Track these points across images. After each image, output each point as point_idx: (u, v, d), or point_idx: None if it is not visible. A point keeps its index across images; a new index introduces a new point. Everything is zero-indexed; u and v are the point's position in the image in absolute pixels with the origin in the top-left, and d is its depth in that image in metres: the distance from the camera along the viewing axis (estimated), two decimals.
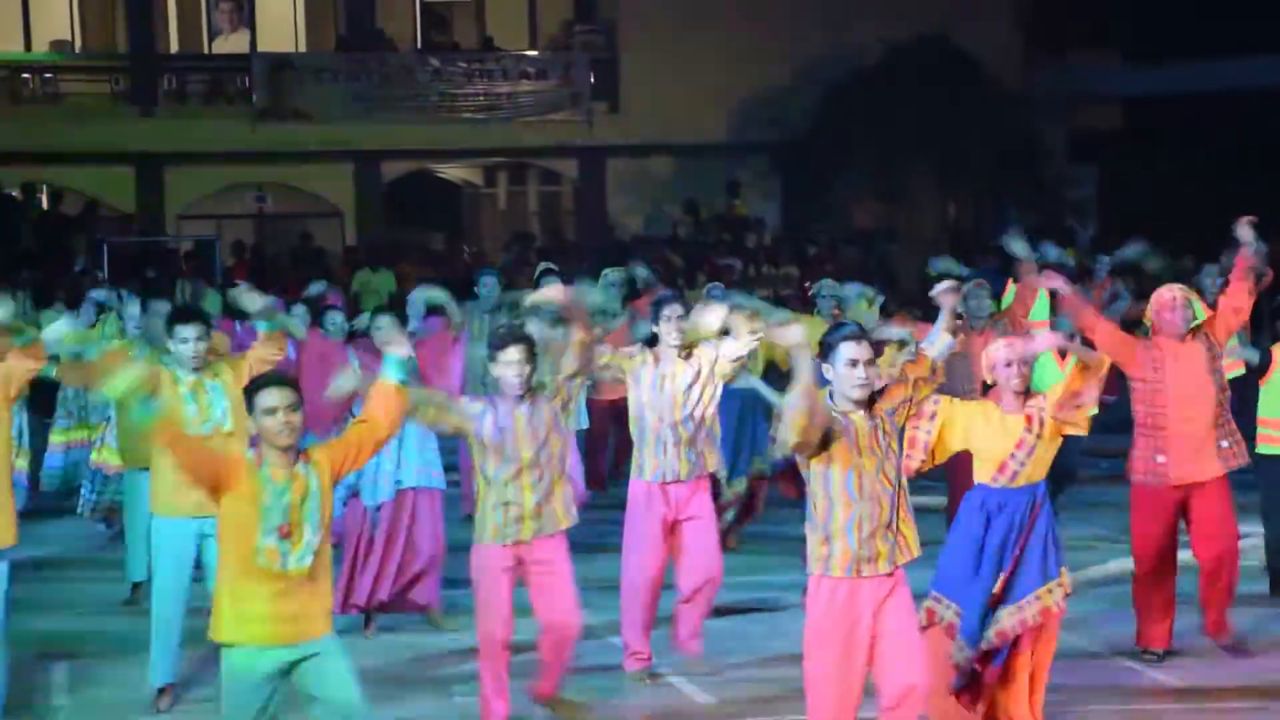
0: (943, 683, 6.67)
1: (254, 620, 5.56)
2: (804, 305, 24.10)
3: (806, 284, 24.39)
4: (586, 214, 27.44)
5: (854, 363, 5.87)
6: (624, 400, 12.42)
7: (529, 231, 27.10)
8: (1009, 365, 6.75)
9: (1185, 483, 8.14)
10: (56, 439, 12.04)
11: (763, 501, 11.28)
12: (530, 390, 7.12)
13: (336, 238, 26.59)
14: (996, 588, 6.68)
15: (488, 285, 12.06)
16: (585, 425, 12.13)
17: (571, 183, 28.05)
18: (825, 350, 5.93)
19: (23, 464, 11.46)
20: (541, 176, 29.00)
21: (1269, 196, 24.34)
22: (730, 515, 10.84)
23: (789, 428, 5.72)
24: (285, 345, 8.07)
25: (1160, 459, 8.07)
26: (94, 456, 10.84)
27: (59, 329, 7.74)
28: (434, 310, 12.07)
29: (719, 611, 8.54)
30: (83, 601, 10.17)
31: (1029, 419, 6.72)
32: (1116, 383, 13.74)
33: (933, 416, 6.69)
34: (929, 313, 12.46)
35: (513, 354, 7.06)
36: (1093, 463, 13.87)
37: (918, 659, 6.02)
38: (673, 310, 8.09)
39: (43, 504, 12.29)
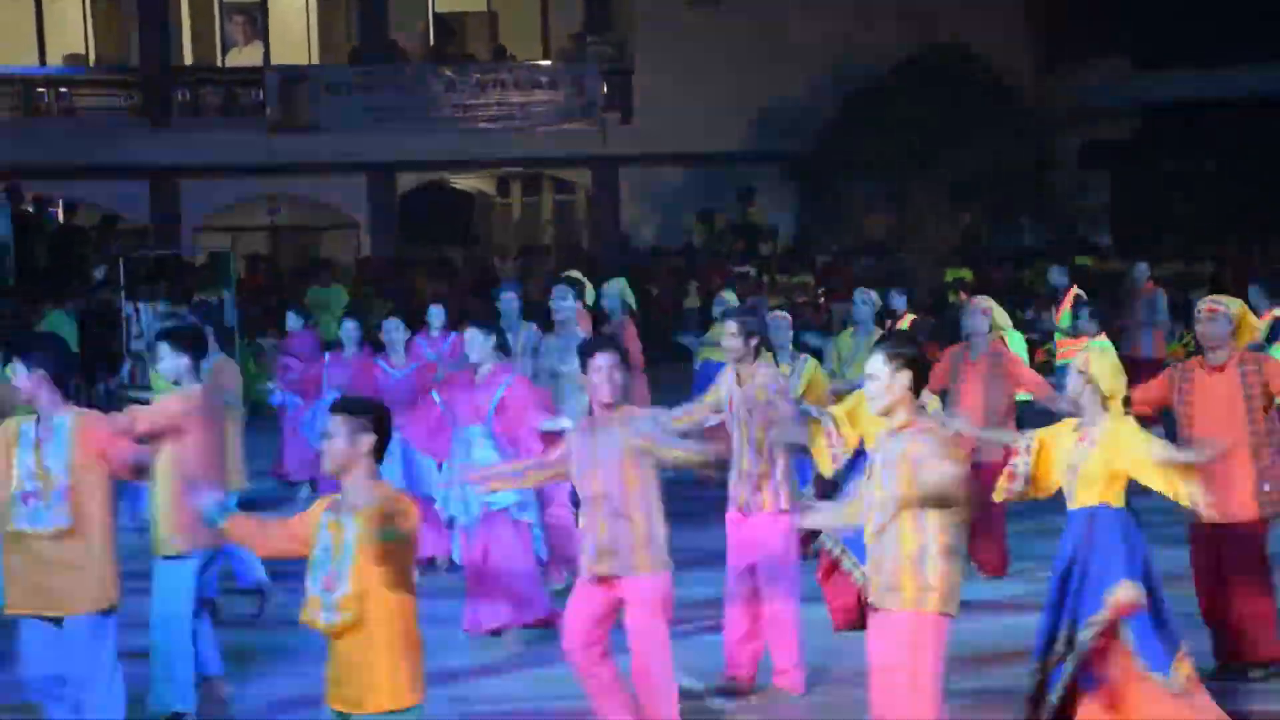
0: None
1: (327, 680, 5.35)
2: (816, 313, 24.25)
3: (820, 292, 24.44)
4: (600, 223, 27.48)
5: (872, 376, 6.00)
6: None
7: (543, 244, 27.16)
8: (1080, 373, 6.69)
9: (1215, 521, 7.58)
10: None
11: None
12: (618, 405, 6.90)
13: (351, 249, 26.65)
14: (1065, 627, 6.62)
15: (508, 301, 11.52)
16: None
17: (585, 192, 28.10)
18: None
19: None
20: (555, 186, 29.04)
21: None
22: None
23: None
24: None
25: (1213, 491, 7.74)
26: None
27: None
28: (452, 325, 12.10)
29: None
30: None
31: (1081, 438, 6.63)
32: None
33: (1027, 447, 6.71)
34: (943, 321, 12.52)
35: (601, 361, 6.88)
36: None
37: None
38: (730, 326, 7.89)
39: None
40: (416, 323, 12.05)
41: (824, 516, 6.53)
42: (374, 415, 5.30)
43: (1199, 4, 25.12)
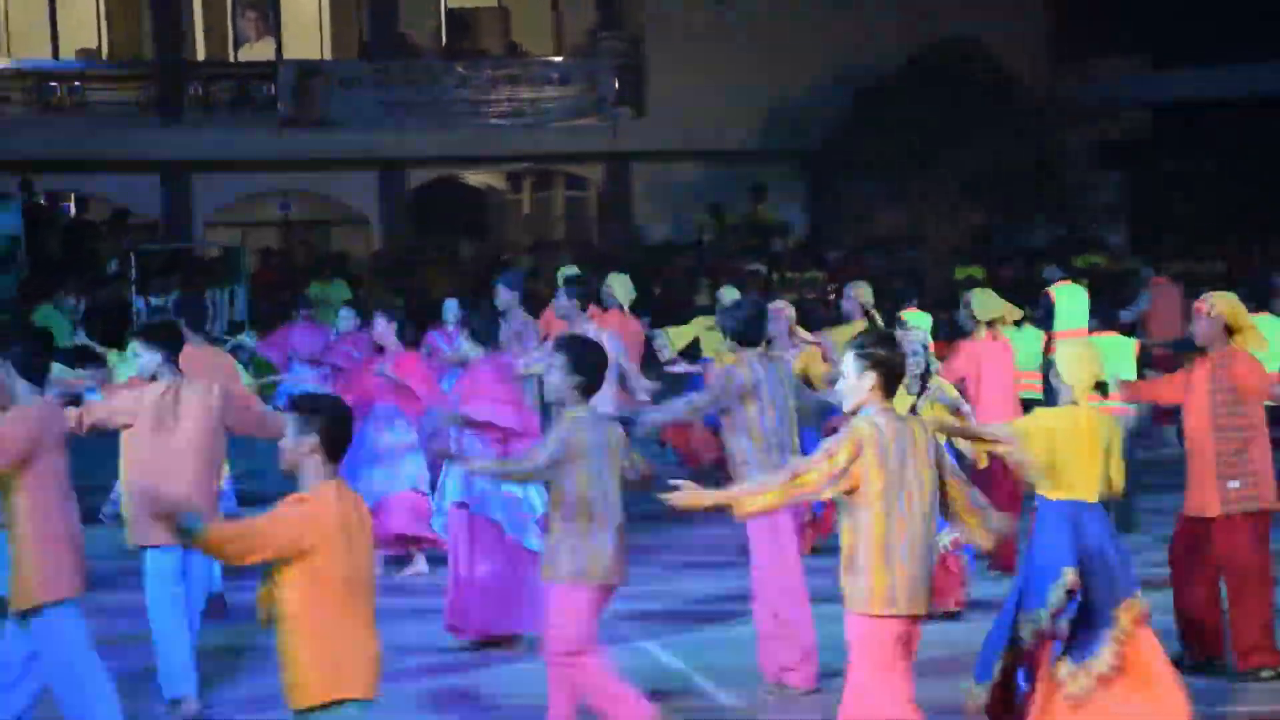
0: None
1: (356, 670, 5.34)
2: (827, 309, 24.21)
3: (831, 289, 24.42)
4: (612, 219, 27.47)
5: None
6: None
7: (554, 240, 27.16)
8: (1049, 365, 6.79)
9: (1197, 515, 7.87)
10: None
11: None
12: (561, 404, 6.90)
13: (362, 244, 26.67)
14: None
15: (506, 290, 11.53)
16: None
17: (597, 188, 28.09)
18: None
19: None
20: (567, 182, 29.03)
21: None
22: None
23: None
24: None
25: (1233, 485, 7.80)
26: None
27: None
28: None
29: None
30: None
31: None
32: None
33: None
34: (955, 318, 12.48)
35: (558, 360, 6.86)
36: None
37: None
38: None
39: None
40: (427, 318, 12.08)
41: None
42: (324, 414, 5.25)
43: (1209, 2, 25.06)
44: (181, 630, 7.49)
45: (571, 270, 12.07)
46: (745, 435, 7.78)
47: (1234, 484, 7.76)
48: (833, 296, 24.38)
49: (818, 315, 23.31)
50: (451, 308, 12.18)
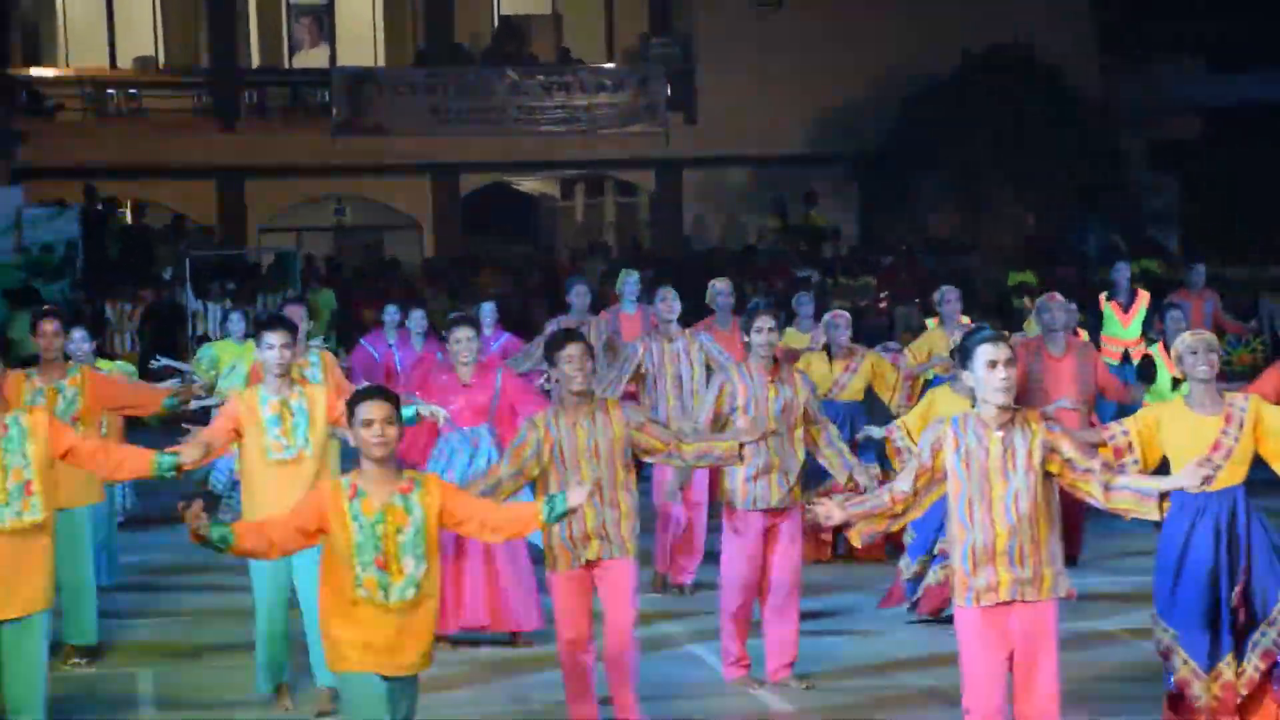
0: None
1: (364, 649, 5.57)
2: (879, 315, 24.14)
3: (881, 294, 24.35)
4: (663, 225, 27.48)
5: (994, 364, 5.67)
6: None
7: (605, 246, 27.19)
8: (1194, 354, 6.52)
9: None
10: None
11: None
12: (592, 395, 6.97)
13: (415, 250, 26.79)
14: (1234, 600, 6.51)
15: (580, 294, 11.63)
16: None
17: (648, 194, 28.11)
18: (963, 355, 5.77)
19: None
20: (618, 188, 29.07)
21: None
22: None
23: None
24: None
25: None
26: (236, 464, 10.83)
27: None
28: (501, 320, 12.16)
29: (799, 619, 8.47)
30: (189, 609, 10.19)
31: (1227, 418, 6.48)
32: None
33: (1124, 431, 6.55)
34: (1008, 323, 12.43)
35: (572, 350, 6.86)
36: None
37: (1043, 693, 5.80)
38: (764, 322, 7.87)
39: (150, 511, 12.44)
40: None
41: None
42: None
43: (1264, 5, 24.83)
44: (283, 623, 7.68)
45: (634, 275, 12.09)
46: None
47: None
48: (884, 303, 24.33)
49: (870, 321, 23.39)
50: (488, 311, 12.21)
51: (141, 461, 6.61)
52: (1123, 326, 13.27)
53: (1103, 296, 13.38)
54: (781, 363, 8.01)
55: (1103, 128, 25.37)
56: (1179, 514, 6.52)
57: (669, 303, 10.18)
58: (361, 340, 13.10)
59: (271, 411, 7.46)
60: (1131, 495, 5.72)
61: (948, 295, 11.51)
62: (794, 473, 7.87)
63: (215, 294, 21.04)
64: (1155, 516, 5.74)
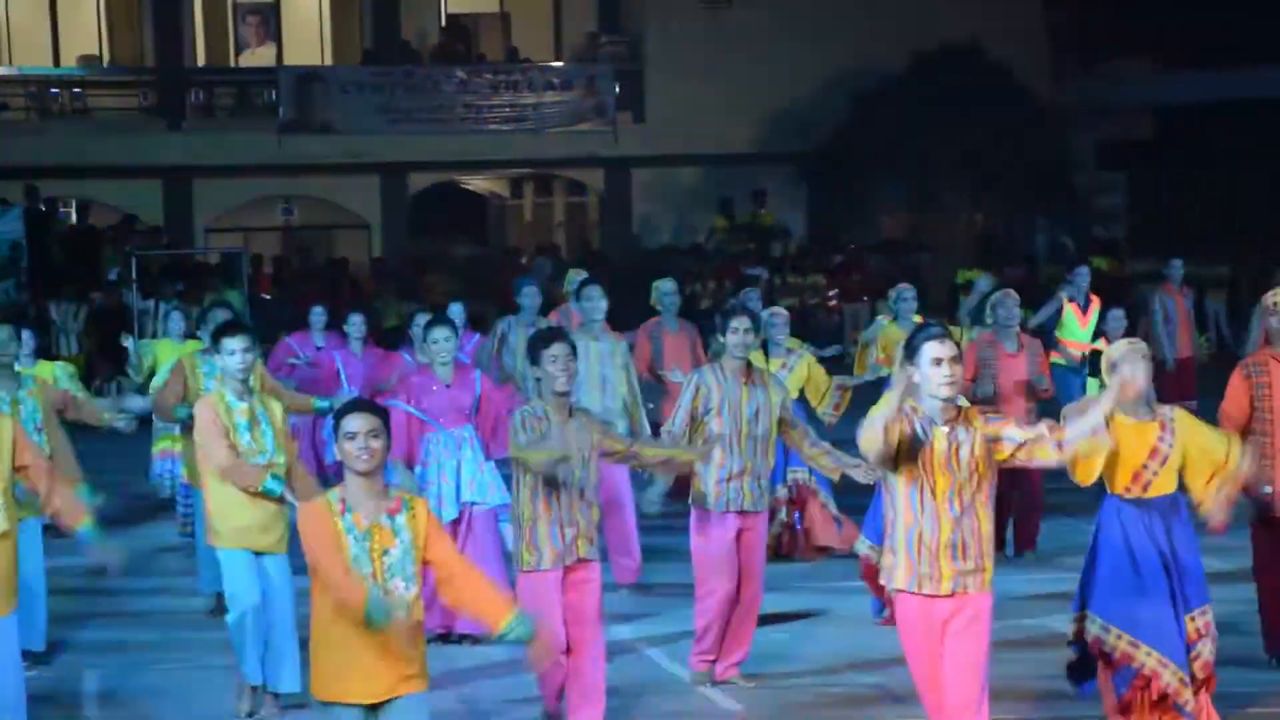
0: (1110, 707, 6.67)
1: (340, 677, 5.41)
2: (828, 314, 24.21)
3: (831, 293, 24.42)
4: (612, 225, 27.47)
5: (938, 361, 5.74)
6: None
7: (554, 245, 27.16)
8: (1130, 364, 6.52)
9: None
10: (164, 447, 12.05)
11: (816, 506, 10.87)
12: (568, 396, 6.97)
13: (364, 250, 26.68)
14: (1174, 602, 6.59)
15: (530, 295, 11.49)
16: None
17: (597, 193, 28.09)
18: (909, 352, 5.81)
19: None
20: (567, 187, 29.04)
21: None
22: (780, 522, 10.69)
23: (869, 440, 5.72)
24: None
25: (1267, 490, 7.64)
26: (184, 471, 10.72)
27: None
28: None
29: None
30: (152, 612, 10.09)
31: (1162, 425, 6.55)
32: (1195, 388, 13.80)
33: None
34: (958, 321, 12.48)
35: (558, 350, 6.89)
36: None
37: (970, 685, 5.85)
38: (740, 323, 7.80)
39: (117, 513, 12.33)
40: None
41: None
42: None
43: (1213, 5, 25.03)
44: (260, 622, 7.57)
45: (582, 275, 12.02)
46: None
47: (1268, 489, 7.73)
48: (834, 301, 24.40)
49: (819, 320, 23.47)
50: (457, 312, 12.10)
51: (72, 518, 6.50)
52: (1080, 328, 13.39)
53: (1064, 297, 13.50)
54: (755, 365, 7.94)
55: (1053, 127, 25.49)
56: (1116, 520, 6.60)
57: (594, 302, 10.12)
58: (286, 338, 12.73)
59: (242, 417, 7.47)
60: (1082, 437, 5.86)
61: (904, 293, 11.60)
62: (765, 476, 7.86)
63: (167, 294, 20.85)
64: (1109, 443, 5.97)
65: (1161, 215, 26.29)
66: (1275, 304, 7.80)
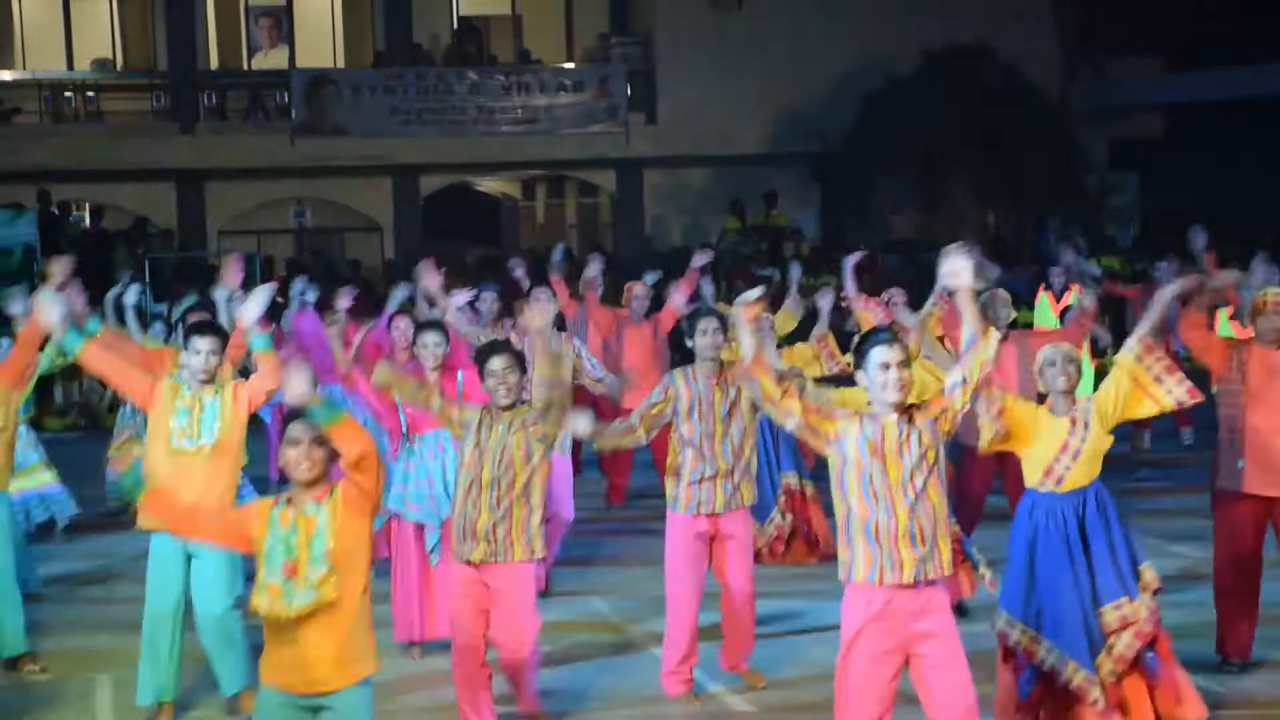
0: (1010, 704, 6.69)
1: (270, 665, 5.37)
2: (840, 314, 24.16)
3: (842, 295, 24.38)
4: (624, 225, 27.49)
5: (886, 366, 5.78)
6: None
7: (566, 246, 27.13)
8: (1054, 365, 6.73)
9: (1264, 494, 7.80)
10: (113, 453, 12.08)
11: (813, 508, 10.90)
12: (514, 407, 6.97)
13: (375, 252, 26.72)
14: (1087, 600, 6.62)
15: (486, 300, 11.51)
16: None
17: (609, 195, 28.12)
18: (858, 357, 5.86)
19: (50, 476, 11.56)
20: (579, 189, 29.07)
21: None
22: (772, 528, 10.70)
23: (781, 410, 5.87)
24: (280, 374, 7.90)
25: (1240, 464, 7.77)
26: None
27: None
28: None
29: (762, 621, 8.47)
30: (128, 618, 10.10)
31: (1073, 421, 6.67)
32: (1199, 385, 13.81)
33: (1000, 409, 6.59)
34: None
35: (497, 364, 6.95)
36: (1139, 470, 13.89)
37: (962, 680, 5.87)
38: (709, 324, 7.74)
39: (89, 519, 12.38)
40: None
41: None
42: None
43: (1223, 4, 25.00)
44: (169, 632, 7.53)
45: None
46: None
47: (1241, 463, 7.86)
48: (845, 303, 24.35)
49: (832, 321, 23.41)
50: (489, 299, 12.08)
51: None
52: (1054, 315, 13.47)
53: (1042, 288, 13.60)
54: (726, 365, 7.84)
55: (1063, 127, 25.46)
56: (1027, 516, 6.69)
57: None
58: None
59: (184, 404, 7.47)
60: (972, 355, 5.88)
61: (895, 297, 11.64)
62: (743, 476, 7.76)
63: (177, 297, 20.90)
64: (993, 348, 5.96)
65: (1173, 215, 26.25)
66: (1266, 303, 7.84)
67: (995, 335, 6.35)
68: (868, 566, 5.84)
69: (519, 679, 7.11)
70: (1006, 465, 9.23)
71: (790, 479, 10.75)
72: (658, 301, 13.24)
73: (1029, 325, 14.07)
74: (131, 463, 5.21)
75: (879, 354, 5.80)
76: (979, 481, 9.73)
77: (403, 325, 10.53)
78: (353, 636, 5.31)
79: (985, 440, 6.63)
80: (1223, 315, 10.86)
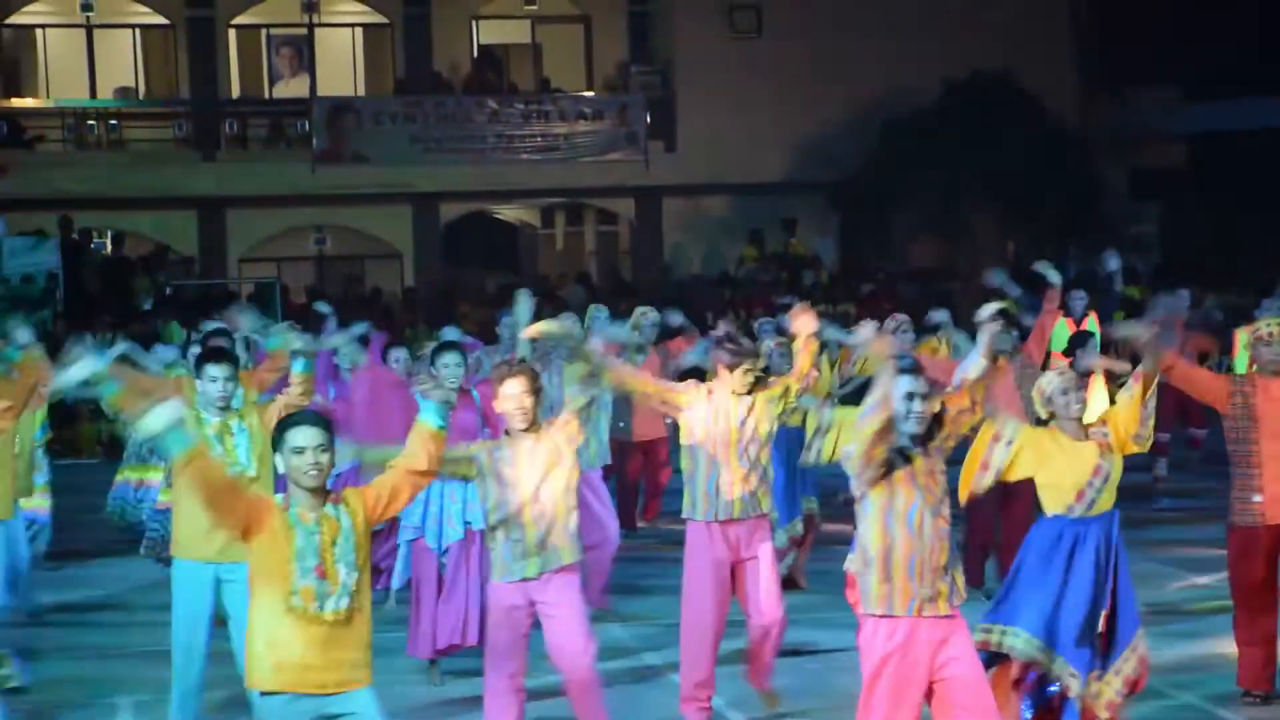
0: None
1: (290, 667, 5.34)
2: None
3: (861, 322, 24.34)
4: (643, 253, 27.51)
5: (911, 396, 5.82)
6: (655, 440, 12.23)
7: (584, 272, 27.19)
8: (1066, 393, 6.70)
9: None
10: (127, 475, 12.07)
11: (812, 538, 11.07)
12: (535, 425, 6.95)
13: (395, 279, 26.78)
14: (1101, 624, 6.65)
15: (507, 327, 11.14)
16: (607, 462, 10.99)
17: (628, 223, 28.15)
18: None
19: (43, 502, 11.56)
20: (598, 217, 29.10)
21: None
22: (790, 558, 10.71)
23: (859, 439, 5.75)
24: (313, 389, 7.81)
25: (1256, 499, 7.71)
26: (161, 497, 10.81)
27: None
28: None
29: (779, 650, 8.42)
30: (136, 643, 10.08)
31: (1102, 445, 6.69)
32: (1204, 416, 13.78)
33: (1009, 442, 6.56)
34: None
35: (512, 387, 6.89)
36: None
37: (989, 703, 5.92)
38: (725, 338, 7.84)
39: (100, 545, 12.38)
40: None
41: None
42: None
43: (1242, 33, 24.97)
44: (197, 664, 7.49)
45: (604, 311, 12.18)
46: None
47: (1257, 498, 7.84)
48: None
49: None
50: (454, 334, 12.03)
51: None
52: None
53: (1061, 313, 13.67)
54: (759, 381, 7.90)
55: (1083, 156, 25.44)
56: (1057, 541, 6.67)
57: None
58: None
59: (213, 431, 7.43)
60: (972, 377, 6.15)
61: (901, 325, 11.75)
62: (761, 484, 7.74)
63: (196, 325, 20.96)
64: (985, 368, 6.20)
65: (1195, 244, 26.20)
66: (1267, 335, 7.83)
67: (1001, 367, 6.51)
68: (889, 598, 5.84)
69: (586, 700, 7.00)
70: (1009, 509, 9.22)
71: (812, 505, 10.75)
72: (665, 330, 13.26)
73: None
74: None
75: (906, 383, 5.83)
76: (982, 530, 9.88)
77: (400, 356, 10.59)
78: (368, 637, 5.48)
79: (989, 479, 6.60)
80: (1243, 340, 10.76)
